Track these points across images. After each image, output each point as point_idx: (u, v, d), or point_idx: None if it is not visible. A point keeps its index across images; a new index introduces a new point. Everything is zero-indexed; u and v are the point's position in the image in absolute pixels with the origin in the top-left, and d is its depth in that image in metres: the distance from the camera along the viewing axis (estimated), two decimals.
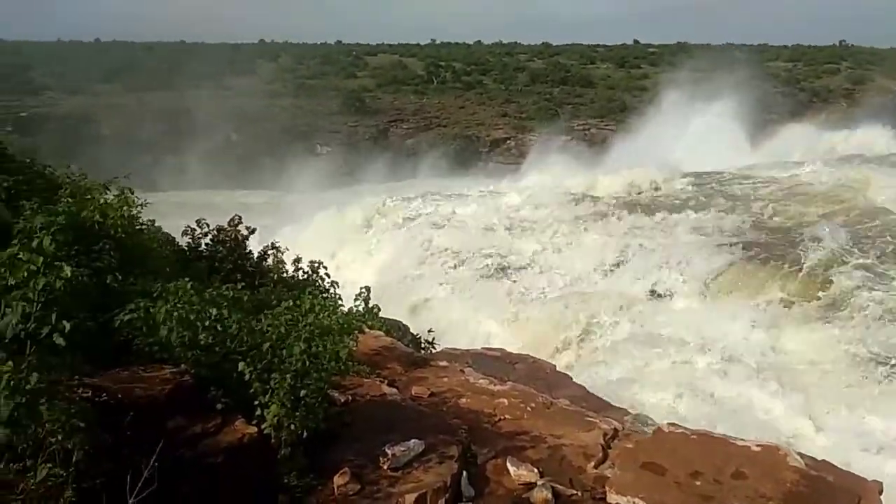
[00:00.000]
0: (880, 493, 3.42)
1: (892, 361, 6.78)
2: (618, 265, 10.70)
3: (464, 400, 4.34)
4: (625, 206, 13.27)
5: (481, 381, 4.75)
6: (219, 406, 3.03)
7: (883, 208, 11.06)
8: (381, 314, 5.62)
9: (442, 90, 38.72)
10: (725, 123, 26.74)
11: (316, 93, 35.73)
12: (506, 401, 4.42)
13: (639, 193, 14.44)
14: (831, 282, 8.78)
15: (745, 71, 30.89)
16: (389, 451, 3.25)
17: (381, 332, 4.89)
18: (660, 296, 9.66)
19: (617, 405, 5.53)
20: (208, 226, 5.30)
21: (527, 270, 10.68)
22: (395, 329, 5.71)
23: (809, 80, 41.10)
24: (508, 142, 33.16)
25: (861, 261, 9.25)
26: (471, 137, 33.24)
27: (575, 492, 3.54)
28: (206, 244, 5.21)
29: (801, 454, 3.75)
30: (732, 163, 18.34)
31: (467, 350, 6.32)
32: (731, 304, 8.59)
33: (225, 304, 3.37)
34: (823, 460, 3.70)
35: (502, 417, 4.24)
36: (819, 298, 8.53)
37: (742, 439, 3.86)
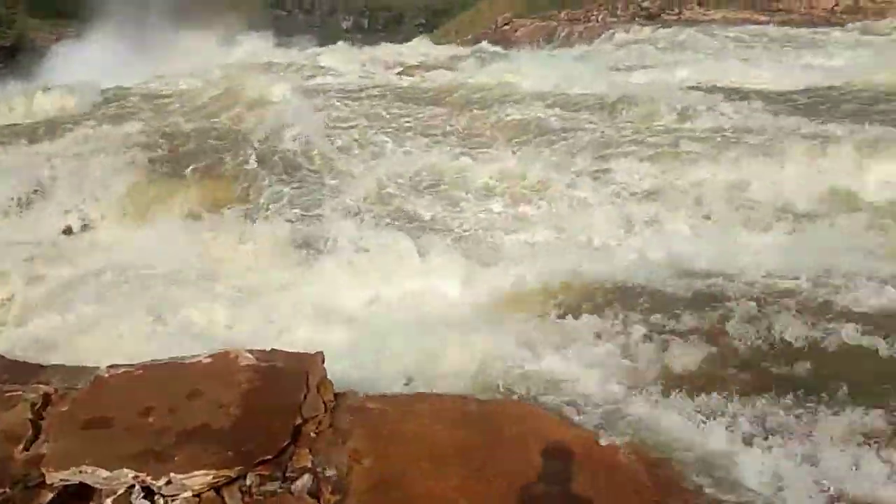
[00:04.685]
0: (322, 361, 3.67)
1: (315, 246, 7.41)
2: (24, 203, 9.09)
3: None
4: (27, 132, 11.28)
5: None
6: None
7: (273, 102, 12.01)
8: None
9: None
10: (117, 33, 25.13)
11: None
12: None
13: (50, 116, 12.44)
14: (250, 183, 9.18)
15: None
16: None
17: None
18: (84, 227, 8.63)
19: (55, 364, 4.67)
20: None
21: None
22: None
23: None
24: None
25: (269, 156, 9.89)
26: None
27: (4, 490, 2.80)
28: None
29: (251, 350, 3.76)
30: (136, 76, 17.39)
31: None
32: (158, 222, 8.22)
33: None
34: (272, 349, 3.77)
35: None
36: (244, 201, 8.81)
37: (192, 356, 3.66)
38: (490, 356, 4.48)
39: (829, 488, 3.25)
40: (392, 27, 32.98)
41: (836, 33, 19.46)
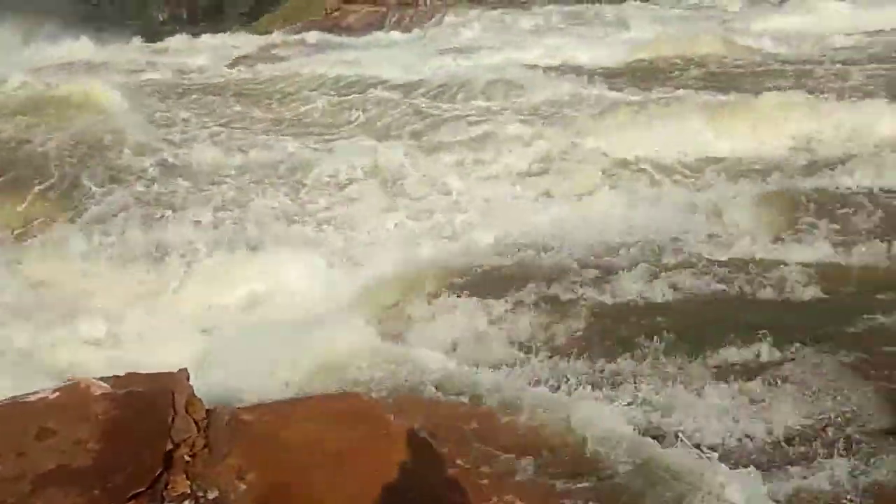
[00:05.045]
0: (188, 378, 3.46)
1: (148, 256, 6.91)
2: None
3: None
4: None
5: None
6: None
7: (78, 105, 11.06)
8: None
9: None
10: None
11: None
12: None
13: None
14: (60, 197, 8.36)
15: None
16: None
17: None
18: None
19: None
20: None
21: None
22: None
23: None
24: None
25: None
26: None
27: None
28: None
29: (104, 378, 3.46)
30: None
31: None
32: None
33: None
34: (129, 373, 3.49)
35: None
36: (55, 217, 7.99)
37: (34, 392, 3.30)
38: (361, 350, 4.43)
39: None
40: (213, 17, 31.30)
41: (631, 9, 21.16)
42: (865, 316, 4.25)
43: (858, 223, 5.63)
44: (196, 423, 3.25)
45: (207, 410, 3.37)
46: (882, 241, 5.19)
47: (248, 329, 5.39)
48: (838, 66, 11.28)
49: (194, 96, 14.46)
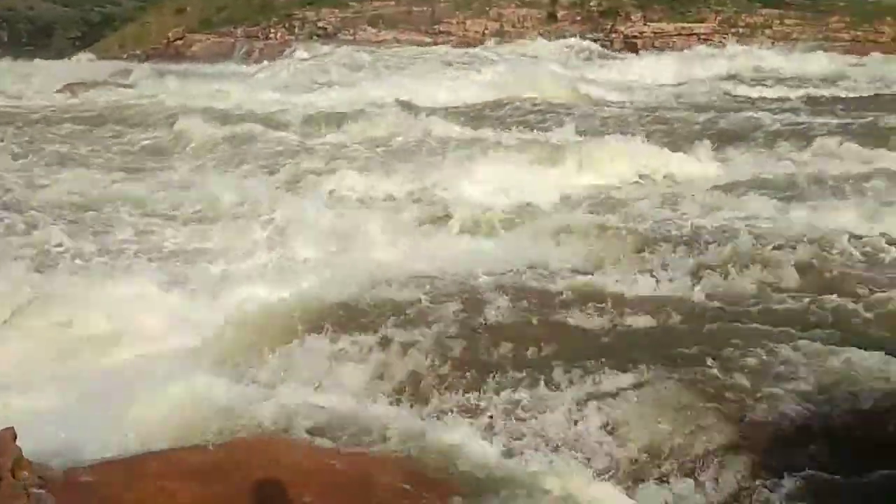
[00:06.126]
0: (14, 438, 3.08)
1: None
2: None
3: None
4: None
5: None
6: None
7: None
8: None
9: None
10: None
11: None
12: None
13: None
14: None
15: None
16: None
17: None
18: None
19: None
20: None
21: None
22: None
23: None
24: None
25: None
26: None
27: None
28: None
29: None
30: None
31: None
32: None
33: None
34: None
35: None
36: None
37: None
38: (216, 394, 4.17)
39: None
40: (41, 41, 29.07)
41: (485, 53, 22.30)
42: (702, 342, 4.59)
43: (693, 256, 6.09)
44: (25, 487, 2.89)
45: (39, 472, 3.01)
46: (715, 273, 5.65)
47: (87, 376, 4.90)
48: (665, 112, 12.48)
49: (18, 123, 13.31)
